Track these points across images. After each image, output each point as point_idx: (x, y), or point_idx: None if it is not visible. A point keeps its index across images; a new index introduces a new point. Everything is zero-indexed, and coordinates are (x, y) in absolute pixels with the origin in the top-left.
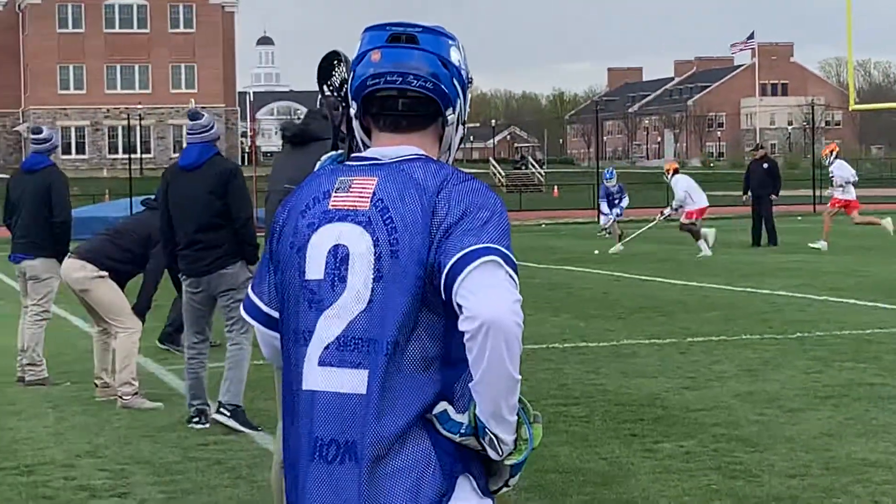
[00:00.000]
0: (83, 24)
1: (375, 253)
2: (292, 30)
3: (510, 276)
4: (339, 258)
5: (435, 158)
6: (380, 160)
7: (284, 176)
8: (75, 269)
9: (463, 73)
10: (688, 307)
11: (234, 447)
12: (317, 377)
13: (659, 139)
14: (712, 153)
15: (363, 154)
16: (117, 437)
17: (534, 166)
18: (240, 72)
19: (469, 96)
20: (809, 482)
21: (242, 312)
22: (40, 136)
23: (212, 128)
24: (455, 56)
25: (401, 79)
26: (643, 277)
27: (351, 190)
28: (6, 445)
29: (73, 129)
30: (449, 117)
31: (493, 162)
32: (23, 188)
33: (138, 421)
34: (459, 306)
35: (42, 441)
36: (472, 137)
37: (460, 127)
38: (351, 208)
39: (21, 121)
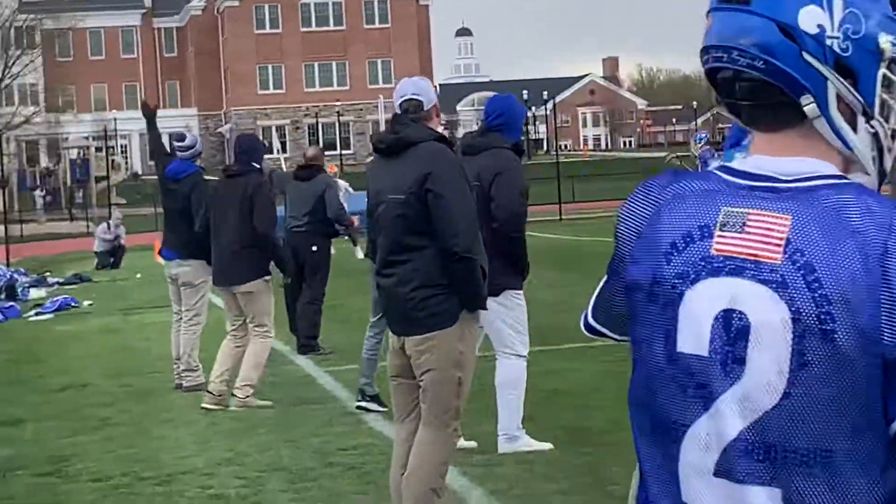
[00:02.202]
0: (280, 24)
1: (795, 329)
2: (490, 20)
3: None
4: (733, 330)
5: (848, 179)
6: (778, 181)
7: (386, 187)
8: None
9: (832, 42)
10: None
11: (373, 451)
12: (707, 492)
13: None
14: None
15: (745, 167)
16: (259, 443)
17: None
18: (439, 64)
19: (880, 73)
20: None
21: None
22: (183, 143)
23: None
24: (810, 20)
25: (725, 55)
26: None
27: (747, 229)
28: (152, 454)
29: (273, 129)
30: (807, 108)
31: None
32: (168, 195)
33: (282, 426)
34: None
35: (187, 449)
36: (674, 120)
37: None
38: (751, 258)
39: (223, 122)
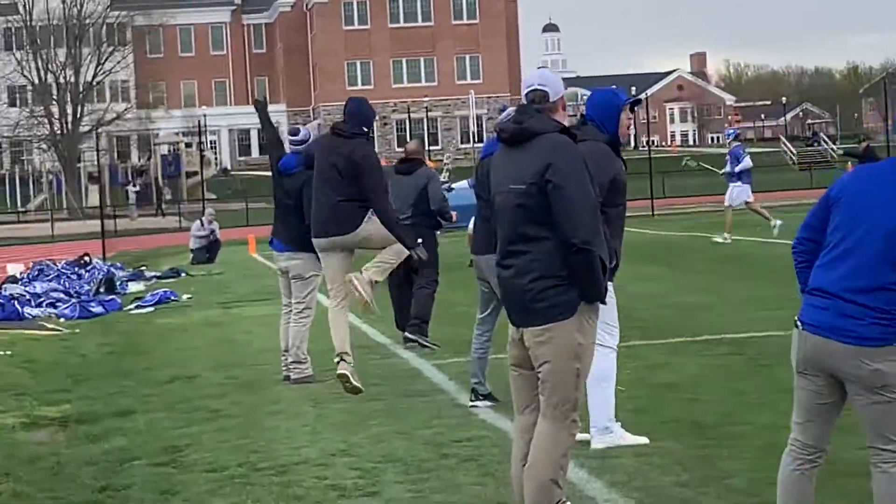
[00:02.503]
0: (368, 21)
1: None
2: (577, 15)
3: None
4: None
5: None
6: None
7: (508, 177)
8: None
9: None
10: None
11: (487, 443)
12: None
13: None
14: None
15: None
16: (373, 434)
17: (826, 143)
18: (526, 60)
19: None
20: None
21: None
22: (296, 137)
23: None
24: None
25: None
26: None
27: None
28: (265, 445)
29: None
30: None
31: (784, 140)
32: (280, 188)
33: (393, 417)
34: None
35: (299, 440)
36: (762, 116)
37: None
38: None
39: (311, 118)
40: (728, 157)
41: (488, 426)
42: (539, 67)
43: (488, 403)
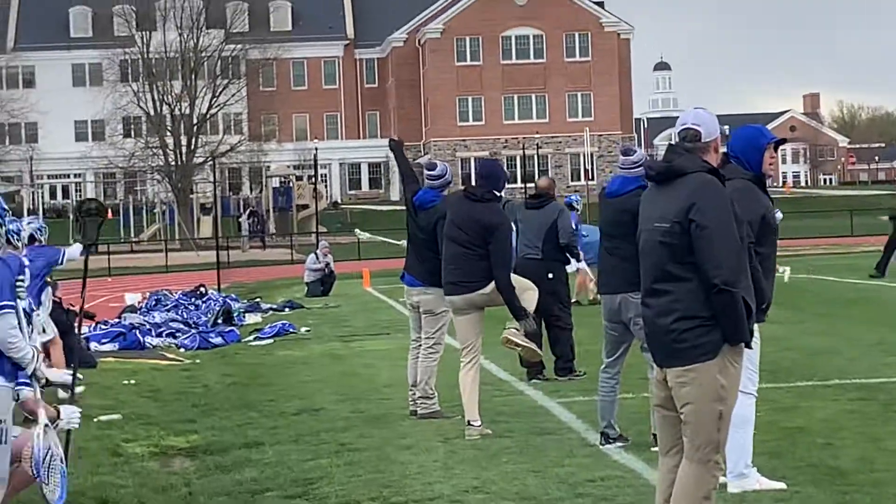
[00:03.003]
0: (481, 57)
1: None
2: (689, 54)
3: None
4: None
5: None
6: None
7: (655, 214)
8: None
9: None
10: None
11: (621, 483)
12: None
13: None
14: None
15: None
16: (505, 472)
17: None
18: (637, 98)
19: None
20: None
21: None
22: (434, 171)
23: None
24: None
25: None
26: None
27: None
28: (397, 480)
29: (472, 160)
30: None
31: None
32: (414, 222)
33: (524, 455)
34: None
35: (431, 475)
36: (877, 158)
37: None
38: None
39: (422, 153)
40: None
41: (621, 466)
42: (696, 108)
43: (619, 445)
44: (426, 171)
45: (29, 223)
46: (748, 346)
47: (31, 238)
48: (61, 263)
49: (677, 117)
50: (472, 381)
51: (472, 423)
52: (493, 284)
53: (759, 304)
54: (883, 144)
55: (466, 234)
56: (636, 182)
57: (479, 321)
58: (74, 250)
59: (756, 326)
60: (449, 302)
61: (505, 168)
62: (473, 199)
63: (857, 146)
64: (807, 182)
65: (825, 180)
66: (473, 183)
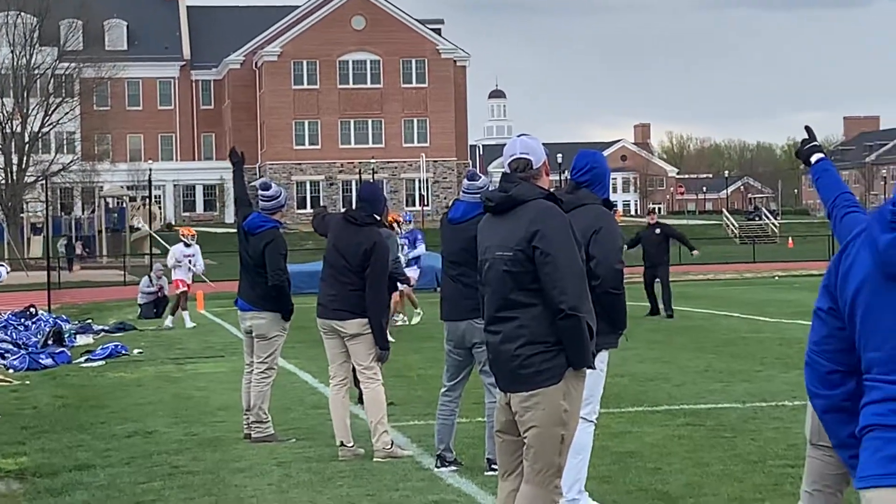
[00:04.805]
0: (318, 81)
1: None
2: (524, 82)
3: None
4: None
5: None
6: None
7: (494, 244)
8: (362, 324)
9: None
10: None
11: None
12: None
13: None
14: None
15: None
16: (340, 495)
17: (767, 217)
18: (472, 125)
19: None
20: None
21: None
22: (268, 192)
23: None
24: None
25: None
26: None
27: None
28: (231, 503)
29: (307, 184)
30: None
31: (726, 213)
32: (244, 247)
33: (359, 479)
34: None
35: (266, 499)
36: (704, 188)
37: None
38: None
39: (258, 176)
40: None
41: (455, 490)
42: (519, 136)
43: (453, 468)
44: (260, 192)
45: None
46: (592, 367)
47: None
48: None
49: None
50: (342, 402)
51: (344, 443)
52: (360, 322)
53: (620, 329)
54: (710, 175)
55: (346, 260)
56: (480, 207)
57: (346, 346)
58: None
59: (605, 353)
60: (321, 324)
61: (341, 192)
62: (354, 222)
63: (686, 176)
64: (636, 211)
65: (655, 209)
66: (353, 206)
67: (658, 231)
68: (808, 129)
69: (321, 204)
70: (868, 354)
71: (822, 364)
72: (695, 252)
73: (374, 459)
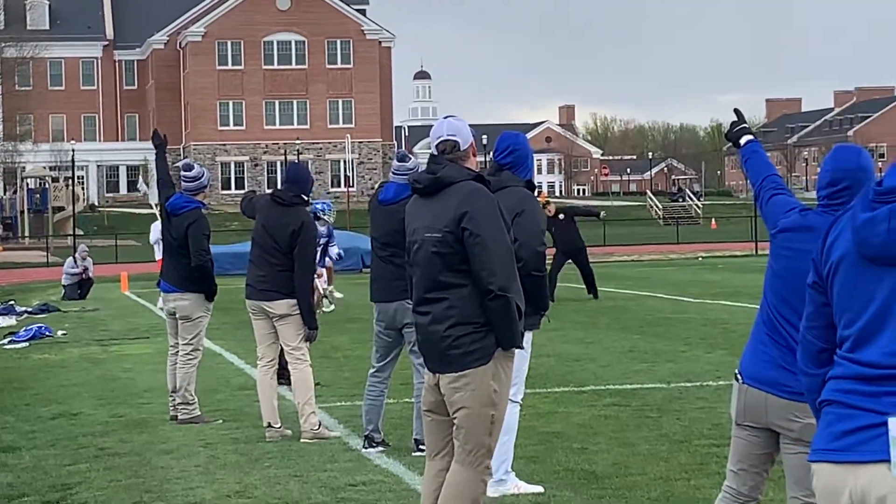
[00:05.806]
0: (242, 61)
1: None
2: (449, 64)
3: None
4: None
5: None
6: None
7: (423, 225)
8: (291, 305)
9: None
10: None
11: (382, 488)
12: None
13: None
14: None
15: None
16: (268, 476)
17: (691, 198)
18: (397, 106)
19: None
20: None
21: None
22: (190, 173)
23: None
24: None
25: None
26: None
27: None
28: (157, 485)
29: (232, 165)
30: None
31: (650, 194)
32: (167, 228)
33: (287, 460)
34: None
35: (193, 480)
36: (628, 170)
37: None
38: None
39: (182, 157)
40: None
41: (382, 470)
42: (446, 117)
43: (381, 449)
44: (182, 173)
45: None
46: (520, 347)
47: None
48: None
49: None
50: (270, 384)
51: (272, 424)
52: (289, 302)
53: (542, 310)
54: (634, 157)
55: (274, 241)
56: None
57: (273, 327)
58: None
59: (529, 335)
60: (250, 305)
61: (266, 173)
62: (281, 202)
63: (610, 158)
64: (561, 192)
65: (579, 190)
66: (280, 187)
67: (562, 217)
68: (737, 111)
69: (245, 185)
70: (841, 331)
71: (813, 342)
72: (602, 213)
73: (302, 440)
